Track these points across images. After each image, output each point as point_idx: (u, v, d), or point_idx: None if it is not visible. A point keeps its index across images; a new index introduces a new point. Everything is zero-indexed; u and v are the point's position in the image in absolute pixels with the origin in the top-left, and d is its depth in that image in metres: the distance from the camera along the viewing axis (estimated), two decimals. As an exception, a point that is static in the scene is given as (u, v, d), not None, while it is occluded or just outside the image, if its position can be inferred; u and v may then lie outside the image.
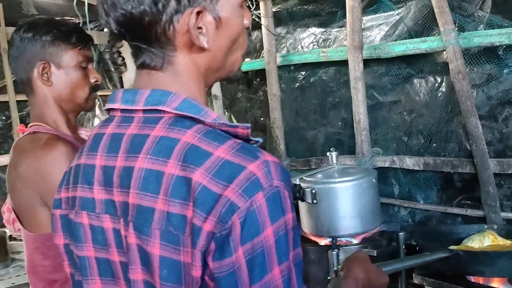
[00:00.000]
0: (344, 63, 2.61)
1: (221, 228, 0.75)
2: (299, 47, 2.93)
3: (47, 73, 1.49)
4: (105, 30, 3.47)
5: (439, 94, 2.36)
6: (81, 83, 1.52)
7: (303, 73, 2.95)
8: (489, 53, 2.11)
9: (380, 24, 2.56)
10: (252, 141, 0.85)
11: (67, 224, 0.96)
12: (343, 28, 2.70)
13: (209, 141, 0.80)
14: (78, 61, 1.50)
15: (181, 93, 0.86)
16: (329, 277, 1.18)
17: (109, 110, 0.93)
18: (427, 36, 2.29)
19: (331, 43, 2.79)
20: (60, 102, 1.51)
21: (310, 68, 2.90)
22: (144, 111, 0.87)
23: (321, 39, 2.84)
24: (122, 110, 0.90)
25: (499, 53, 2.09)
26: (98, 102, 3.74)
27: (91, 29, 3.39)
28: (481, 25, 2.12)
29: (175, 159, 0.80)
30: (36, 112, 1.53)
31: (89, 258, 0.92)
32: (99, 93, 3.57)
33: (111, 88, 3.76)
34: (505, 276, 1.67)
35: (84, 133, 1.64)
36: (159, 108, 0.85)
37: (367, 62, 2.50)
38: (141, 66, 0.90)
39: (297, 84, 2.97)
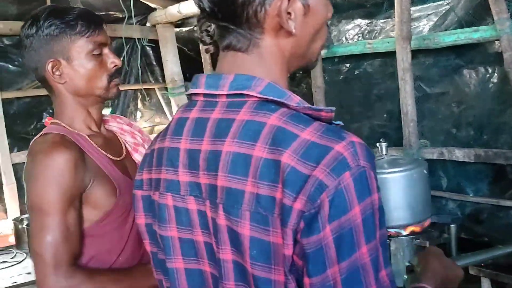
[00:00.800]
0: (390, 54, 2.59)
1: (310, 207, 0.76)
2: (343, 39, 2.91)
3: (59, 71, 1.39)
4: (148, 24, 3.54)
5: (490, 85, 2.31)
6: (97, 73, 1.41)
7: (347, 65, 2.93)
8: None
9: (429, 15, 2.51)
10: (335, 124, 0.85)
11: (149, 205, 0.99)
12: (390, 19, 2.67)
13: (295, 124, 0.81)
14: (89, 49, 1.39)
15: (265, 76, 0.87)
16: (405, 276, 1.17)
17: (191, 95, 0.95)
18: (477, 26, 2.25)
19: (376, 34, 2.77)
20: (78, 97, 1.43)
21: (355, 60, 2.88)
22: (228, 95, 0.87)
23: (366, 31, 2.81)
24: (205, 95, 0.91)
25: None
26: (140, 96, 3.77)
27: (135, 23, 3.43)
28: None
29: (263, 142, 0.81)
30: (56, 109, 1.46)
31: (172, 238, 0.94)
32: (142, 86, 3.64)
33: (153, 82, 3.78)
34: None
35: (116, 124, 1.59)
36: (244, 92, 0.85)
37: (414, 53, 2.47)
38: (226, 48, 0.90)
39: (341, 76, 2.96)
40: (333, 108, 0.85)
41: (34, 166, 1.32)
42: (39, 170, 1.31)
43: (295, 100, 0.84)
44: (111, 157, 1.45)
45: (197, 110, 0.92)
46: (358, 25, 2.84)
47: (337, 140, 0.78)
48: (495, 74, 2.29)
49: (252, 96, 0.85)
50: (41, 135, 1.41)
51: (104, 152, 1.44)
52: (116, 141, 1.55)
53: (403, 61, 2.45)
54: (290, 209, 0.77)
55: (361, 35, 2.84)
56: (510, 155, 2.20)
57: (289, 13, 0.86)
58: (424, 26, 2.53)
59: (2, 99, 2.91)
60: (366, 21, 2.81)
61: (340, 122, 0.86)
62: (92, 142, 1.42)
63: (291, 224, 0.77)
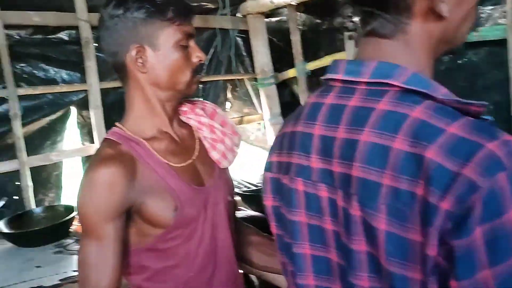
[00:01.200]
0: (499, 43, 2.46)
1: (459, 208, 0.71)
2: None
3: (142, 58, 1.29)
4: (238, 15, 3.54)
5: None
6: (182, 66, 1.31)
7: (450, 55, 2.80)
8: None
9: None
10: (485, 120, 0.78)
11: (278, 188, 0.98)
12: (498, 6, 2.54)
13: (441, 117, 0.76)
14: (177, 39, 1.29)
15: (410, 64, 0.83)
16: None
17: (327, 80, 0.92)
18: None
19: (483, 22, 2.63)
20: (157, 90, 1.32)
21: (458, 49, 2.75)
22: (368, 83, 0.84)
23: (472, 18, 2.69)
24: (344, 81, 0.88)
25: None
26: (230, 86, 3.78)
27: (227, 14, 3.44)
28: None
29: (404, 135, 0.77)
30: (126, 103, 1.36)
31: (300, 223, 0.93)
32: (233, 76, 3.64)
33: (243, 72, 3.78)
34: None
35: (193, 117, 1.45)
36: (387, 81, 0.81)
37: None
38: (368, 34, 0.87)
39: (443, 67, 2.84)
40: (485, 103, 0.79)
41: (83, 179, 1.26)
42: (84, 185, 1.25)
43: (442, 91, 0.80)
44: (173, 164, 1.34)
45: (333, 96, 0.89)
46: (464, 12, 2.72)
47: (490, 138, 0.72)
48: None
49: (395, 85, 0.81)
50: (103, 139, 1.34)
51: (165, 160, 1.33)
52: (189, 139, 1.44)
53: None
54: (436, 208, 0.72)
55: (466, 22, 2.72)
56: None
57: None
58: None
59: (100, 89, 2.98)
60: (472, 7, 2.69)
61: (490, 117, 0.79)
62: (152, 150, 1.32)
63: (437, 224, 0.72)
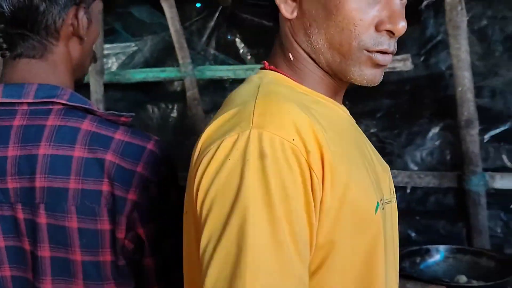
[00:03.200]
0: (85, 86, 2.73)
1: (140, 195, 0.93)
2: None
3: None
4: None
5: (170, 119, 2.74)
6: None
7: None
8: (218, 83, 2.59)
9: (118, 53, 2.77)
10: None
11: None
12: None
13: (106, 127, 0.95)
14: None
15: (64, 84, 0.99)
16: None
17: None
18: (162, 67, 2.64)
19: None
20: None
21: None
22: (30, 103, 0.96)
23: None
24: (1, 104, 0.97)
25: (226, 85, 2.59)
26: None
27: None
28: (207, 61, 2.62)
29: (81, 144, 0.93)
30: None
31: None
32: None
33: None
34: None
35: None
36: (52, 100, 0.95)
37: (106, 87, 2.64)
38: (18, 56, 0.99)
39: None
40: (132, 114, 0.99)
41: None
42: None
43: (94, 107, 0.98)
44: None
45: None
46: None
47: (146, 139, 0.96)
48: (175, 110, 2.74)
49: (60, 103, 0.96)
50: None
51: None
52: None
53: (96, 93, 2.59)
54: (125, 199, 0.92)
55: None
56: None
57: (85, 21, 1.02)
58: (113, 63, 2.78)
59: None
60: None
61: (132, 114, 0.99)
62: None
63: (126, 211, 0.92)
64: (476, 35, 2.25)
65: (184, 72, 2.49)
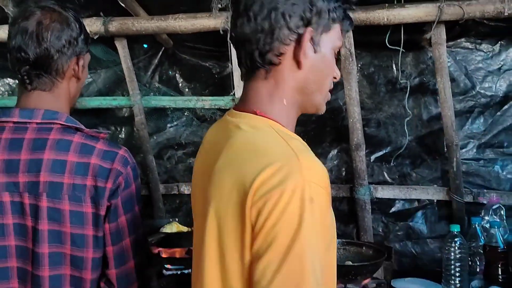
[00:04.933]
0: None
1: (114, 185, 1.30)
2: None
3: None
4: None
5: (119, 140, 2.98)
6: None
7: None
8: (161, 111, 2.90)
9: None
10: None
11: None
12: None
13: (90, 140, 1.32)
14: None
15: (61, 110, 1.35)
16: None
17: None
18: (113, 96, 2.88)
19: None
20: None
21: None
22: (38, 123, 1.31)
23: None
24: (16, 122, 1.32)
25: (168, 112, 2.90)
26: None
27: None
28: (152, 92, 2.87)
29: (74, 151, 1.29)
30: None
31: None
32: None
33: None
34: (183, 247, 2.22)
35: None
36: (54, 121, 1.31)
37: None
38: (33, 89, 1.36)
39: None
40: (108, 131, 1.51)
41: None
42: None
43: (82, 127, 1.34)
44: None
45: (8, 133, 1.31)
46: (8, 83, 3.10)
47: (118, 148, 1.35)
48: (123, 131, 3.00)
49: (59, 124, 1.32)
50: None
51: None
52: None
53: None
54: (104, 188, 1.29)
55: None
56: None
57: (82, 67, 1.40)
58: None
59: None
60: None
61: (107, 132, 1.39)
62: None
63: (106, 196, 1.29)
64: (366, 78, 2.64)
65: (133, 101, 2.74)
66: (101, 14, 2.53)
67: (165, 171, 2.99)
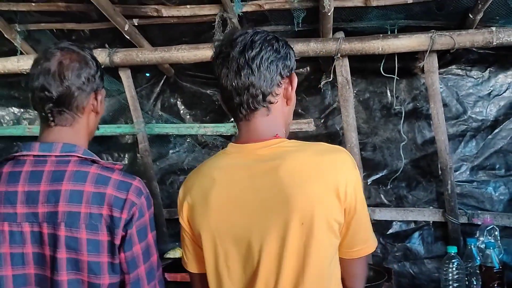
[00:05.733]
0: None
1: (129, 215, 1.34)
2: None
3: None
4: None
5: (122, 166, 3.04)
6: None
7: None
8: (164, 138, 2.97)
9: None
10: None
11: None
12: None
13: (106, 171, 1.38)
14: None
15: (79, 143, 1.41)
16: None
17: (17, 156, 1.38)
18: (116, 123, 2.98)
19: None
20: None
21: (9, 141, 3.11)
22: (57, 156, 1.37)
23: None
24: (35, 156, 1.37)
25: (170, 139, 2.98)
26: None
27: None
28: (154, 120, 2.96)
29: (90, 182, 1.34)
30: None
31: (4, 254, 1.33)
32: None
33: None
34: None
35: None
36: (72, 154, 1.38)
37: None
38: (55, 124, 1.41)
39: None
40: (122, 163, 1.56)
41: None
42: None
43: (98, 159, 1.40)
44: None
45: (29, 166, 1.36)
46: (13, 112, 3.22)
47: (133, 179, 1.39)
48: (126, 157, 3.08)
49: (76, 156, 1.38)
50: None
51: None
52: None
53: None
54: (120, 219, 1.33)
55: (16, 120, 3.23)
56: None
57: (99, 102, 1.47)
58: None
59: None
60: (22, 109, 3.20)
61: (120, 164, 1.43)
62: None
63: (121, 226, 1.33)
64: (361, 104, 2.74)
65: (137, 128, 2.81)
66: (106, 45, 2.61)
67: (167, 195, 3.04)
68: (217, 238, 1.31)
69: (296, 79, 1.37)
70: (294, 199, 1.21)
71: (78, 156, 1.38)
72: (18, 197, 1.34)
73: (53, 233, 1.32)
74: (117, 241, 1.34)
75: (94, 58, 1.49)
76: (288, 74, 1.35)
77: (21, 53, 2.76)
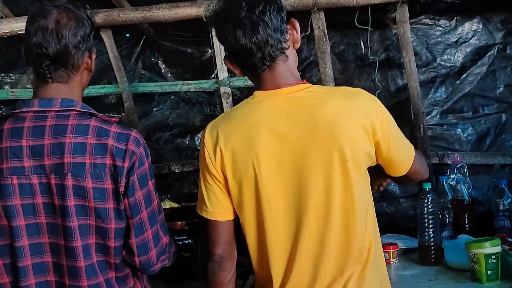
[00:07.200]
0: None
1: (130, 163, 1.42)
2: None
3: None
4: None
5: None
6: None
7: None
8: (148, 96, 3.04)
9: None
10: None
11: None
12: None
13: (105, 124, 1.44)
14: None
15: (76, 98, 1.46)
16: None
17: (17, 112, 1.42)
18: (99, 84, 2.99)
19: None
20: None
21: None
22: (57, 111, 1.41)
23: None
24: (36, 111, 1.41)
25: (155, 97, 3.05)
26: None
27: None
28: (136, 79, 2.99)
29: (92, 135, 1.41)
30: None
31: (16, 205, 1.40)
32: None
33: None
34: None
35: None
36: (71, 108, 1.43)
37: None
38: (53, 81, 1.45)
39: None
40: (119, 116, 1.63)
41: None
42: None
43: (96, 112, 1.46)
44: None
45: (30, 121, 1.41)
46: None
47: (130, 130, 1.46)
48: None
49: (75, 110, 1.43)
50: None
51: None
52: None
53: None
54: (122, 167, 1.41)
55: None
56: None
57: (92, 60, 1.52)
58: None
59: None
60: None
61: (118, 116, 1.54)
62: None
63: (124, 174, 1.41)
64: (337, 56, 2.84)
65: (121, 88, 2.87)
66: (87, 6, 2.63)
67: (154, 152, 3.10)
68: (260, 183, 1.40)
69: (298, 23, 1.49)
70: (335, 138, 1.35)
71: (77, 110, 1.44)
72: (24, 151, 1.40)
73: (60, 183, 1.39)
74: (121, 188, 1.42)
75: (89, 18, 1.53)
76: (288, 20, 1.47)
77: (1, 17, 2.76)
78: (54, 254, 1.44)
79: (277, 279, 1.43)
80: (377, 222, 1.51)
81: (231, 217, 1.49)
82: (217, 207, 1.48)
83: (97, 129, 1.42)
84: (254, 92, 1.46)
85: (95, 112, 1.47)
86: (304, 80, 1.46)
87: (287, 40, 1.44)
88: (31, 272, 1.43)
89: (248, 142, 1.40)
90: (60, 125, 1.41)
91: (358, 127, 1.36)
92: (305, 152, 1.37)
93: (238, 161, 1.41)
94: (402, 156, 1.49)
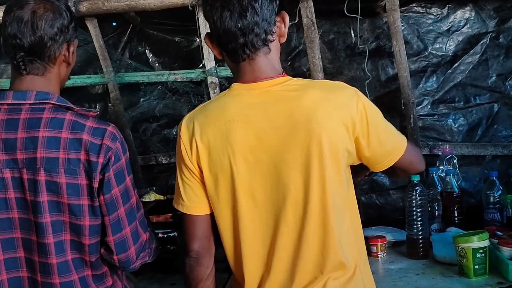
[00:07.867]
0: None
1: (105, 159, 1.39)
2: None
3: None
4: None
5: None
6: None
7: None
8: (134, 86, 2.95)
9: None
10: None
11: None
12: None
13: (81, 118, 1.41)
14: None
15: (53, 91, 1.43)
16: None
17: None
18: (85, 74, 2.94)
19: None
20: None
21: None
22: (31, 104, 1.39)
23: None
24: (10, 104, 1.39)
25: (141, 87, 2.95)
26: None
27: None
28: (123, 69, 2.94)
29: (66, 129, 1.38)
30: None
31: None
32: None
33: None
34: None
35: None
36: (46, 101, 1.39)
37: None
38: (27, 73, 1.43)
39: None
40: (96, 110, 1.53)
41: None
42: None
43: (72, 106, 1.42)
44: None
45: (3, 114, 1.39)
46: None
47: (107, 125, 1.43)
48: (97, 109, 3.07)
49: (51, 103, 1.40)
50: None
51: None
52: None
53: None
54: (97, 163, 1.38)
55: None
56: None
57: (71, 53, 1.48)
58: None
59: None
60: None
61: (96, 111, 1.47)
62: None
63: (98, 170, 1.38)
64: (326, 45, 2.81)
65: (107, 78, 2.82)
66: (71, -5, 2.59)
67: (140, 143, 3.08)
68: (237, 178, 1.37)
69: (288, 17, 1.43)
70: (313, 133, 1.31)
71: (53, 104, 1.41)
72: None
73: (33, 178, 1.37)
74: (95, 184, 1.39)
75: (69, 9, 1.49)
76: (278, 12, 1.42)
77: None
78: (26, 250, 1.42)
79: (255, 277, 1.40)
80: (361, 225, 1.47)
81: (208, 212, 1.46)
82: (193, 201, 1.46)
83: (72, 123, 1.39)
84: (232, 85, 1.43)
85: (71, 105, 1.44)
86: (284, 73, 1.41)
87: (273, 32, 1.39)
88: (3, 268, 1.41)
89: (224, 136, 1.37)
90: (34, 118, 1.39)
91: (337, 122, 1.33)
92: (283, 147, 1.34)
93: (214, 155, 1.38)
94: (389, 147, 1.43)
